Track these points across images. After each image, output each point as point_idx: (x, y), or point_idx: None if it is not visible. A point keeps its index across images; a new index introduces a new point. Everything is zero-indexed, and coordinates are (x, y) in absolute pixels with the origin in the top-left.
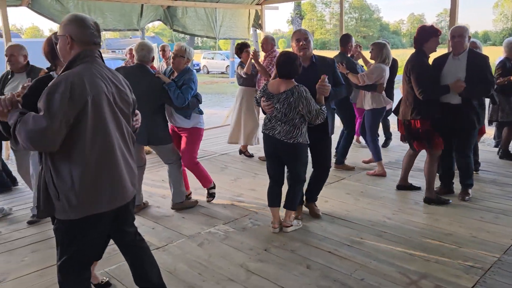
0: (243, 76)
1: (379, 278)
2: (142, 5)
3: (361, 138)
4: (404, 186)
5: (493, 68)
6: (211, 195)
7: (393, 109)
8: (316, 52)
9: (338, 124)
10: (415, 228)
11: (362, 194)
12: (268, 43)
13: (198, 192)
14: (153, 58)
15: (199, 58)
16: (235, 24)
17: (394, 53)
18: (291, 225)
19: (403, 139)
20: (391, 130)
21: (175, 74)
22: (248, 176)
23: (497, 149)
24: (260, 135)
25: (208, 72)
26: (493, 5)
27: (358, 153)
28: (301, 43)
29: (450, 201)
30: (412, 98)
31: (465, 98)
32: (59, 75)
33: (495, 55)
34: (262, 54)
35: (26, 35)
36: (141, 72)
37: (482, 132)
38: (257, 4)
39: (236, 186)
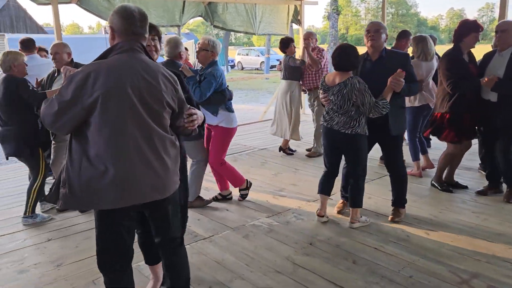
0: (299, 65)
1: (428, 276)
2: (184, 1)
3: (405, 135)
4: (447, 183)
5: None
6: (242, 196)
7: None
8: None
9: None
10: (464, 227)
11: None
12: (313, 38)
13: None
14: (181, 53)
15: (234, 54)
16: (274, 20)
17: None
18: (358, 221)
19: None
20: None
21: None
22: (288, 171)
23: None
24: (302, 129)
25: (242, 68)
26: None
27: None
28: (370, 34)
29: (452, 191)
30: (442, 91)
31: (502, 95)
32: (88, 64)
33: None
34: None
35: (66, 32)
36: (168, 67)
37: None
38: (297, 0)
39: (277, 181)
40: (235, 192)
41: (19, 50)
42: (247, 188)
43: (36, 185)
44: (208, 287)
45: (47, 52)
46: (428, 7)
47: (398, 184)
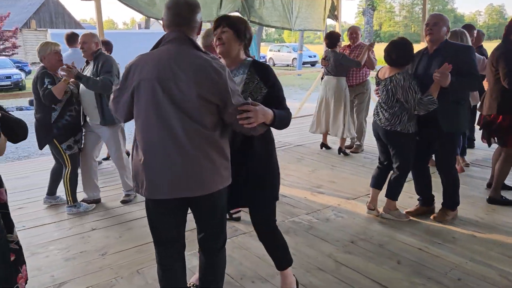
0: (355, 66)
1: (477, 279)
2: None
3: None
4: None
5: None
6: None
7: (478, 106)
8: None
9: None
10: None
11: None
12: (358, 33)
13: None
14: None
15: (265, 50)
16: (311, 15)
17: None
18: (389, 214)
19: (484, 138)
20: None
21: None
22: (326, 168)
23: None
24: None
25: (274, 65)
26: None
27: None
28: (428, 28)
29: None
30: (498, 91)
31: None
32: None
33: None
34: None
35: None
36: None
37: None
38: None
39: (314, 178)
40: None
41: (66, 44)
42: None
43: (66, 175)
44: (250, 282)
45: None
46: (466, 3)
47: (448, 186)
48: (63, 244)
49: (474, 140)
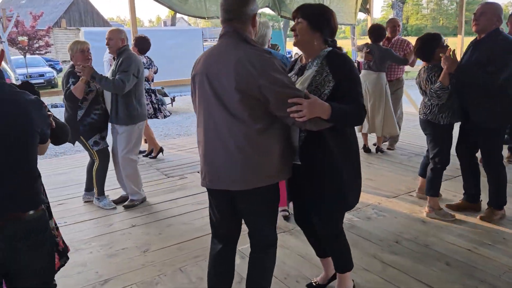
0: (401, 64)
1: None
2: None
3: None
4: None
5: None
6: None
7: None
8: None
9: None
10: None
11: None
12: (400, 26)
13: None
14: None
15: (291, 46)
16: (342, 9)
17: None
18: (434, 214)
19: None
20: None
21: None
22: (362, 166)
23: None
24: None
25: None
26: None
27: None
28: (474, 18)
29: None
30: None
31: None
32: None
33: None
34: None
35: (128, 25)
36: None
37: None
38: None
39: None
40: None
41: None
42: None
43: (94, 169)
44: (295, 282)
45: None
46: None
47: (493, 185)
48: (105, 241)
49: None
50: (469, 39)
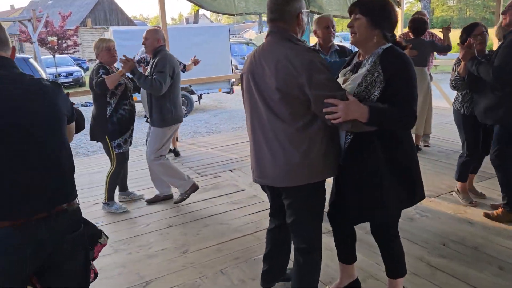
0: (444, 53)
1: None
2: None
3: None
4: None
5: None
6: None
7: None
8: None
9: None
10: None
11: None
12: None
13: None
14: (316, 31)
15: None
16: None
17: None
18: (457, 194)
19: None
20: None
21: None
22: None
23: None
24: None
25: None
26: None
27: None
28: (502, 12)
29: None
30: None
31: None
32: None
33: None
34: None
35: (151, 23)
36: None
37: None
38: None
39: None
40: None
41: None
42: None
43: (109, 173)
44: (336, 283)
45: None
46: None
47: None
48: (143, 241)
49: None
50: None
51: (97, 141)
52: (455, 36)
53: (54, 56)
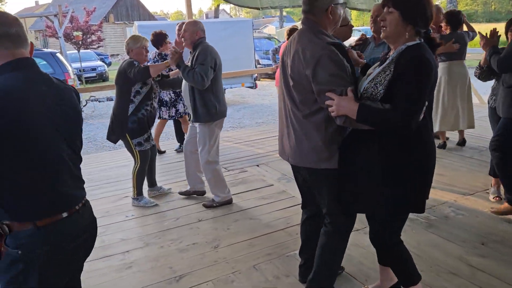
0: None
1: None
2: None
3: None
4: None
5: None
6: None
7: None
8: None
9: None
10: None
11: None
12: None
13: None
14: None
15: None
16: None
17: None
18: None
19: None
20: None
21: None
22: None
23: None
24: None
25: None
26: None
27: None
28: None
29: None
30: None
31: None
32: None
33: None
34: None
35: (171, 18)
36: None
37: None
38: None
39: None
40: None
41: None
42: None
43: (134, 170)
44: (376, 284)
45: None
46: None
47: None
48: (174, 235)
49: None
50: None
51: (115, 142)
52: (486, 30)
53: (78, 51)
